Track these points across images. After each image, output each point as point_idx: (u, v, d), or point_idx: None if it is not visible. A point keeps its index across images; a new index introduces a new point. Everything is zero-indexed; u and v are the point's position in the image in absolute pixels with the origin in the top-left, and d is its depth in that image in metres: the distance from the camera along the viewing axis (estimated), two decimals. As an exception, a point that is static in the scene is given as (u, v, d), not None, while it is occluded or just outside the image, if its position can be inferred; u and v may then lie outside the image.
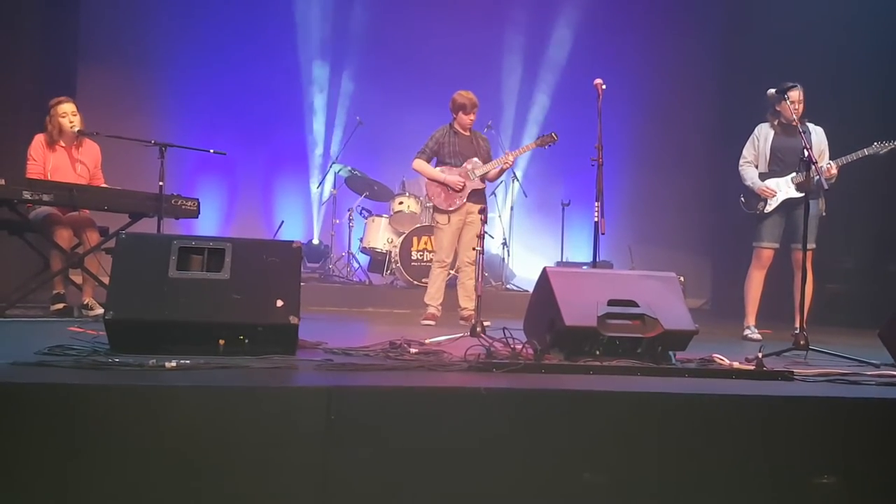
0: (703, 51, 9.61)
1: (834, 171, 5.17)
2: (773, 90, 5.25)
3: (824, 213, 5.32)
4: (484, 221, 5.25)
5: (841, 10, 7.43)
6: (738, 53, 8.92)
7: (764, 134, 5.54)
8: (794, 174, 5.39)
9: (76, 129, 5.25)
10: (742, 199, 5.61)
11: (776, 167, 5.48)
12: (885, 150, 5.18)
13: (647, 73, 9.40)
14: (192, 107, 8.98)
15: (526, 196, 8.74)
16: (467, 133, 5.92)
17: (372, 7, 9.49)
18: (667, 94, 9.55)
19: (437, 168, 5.89)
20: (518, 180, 8.62)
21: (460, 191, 5.80)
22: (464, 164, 5.84)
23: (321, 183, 9.28)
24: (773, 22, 8.20)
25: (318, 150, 9.61)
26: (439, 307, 5.86)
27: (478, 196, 5.86)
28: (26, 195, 4.68)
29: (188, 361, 2.82)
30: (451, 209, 5.81)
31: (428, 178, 5.93)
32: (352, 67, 9.60)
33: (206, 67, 8.97)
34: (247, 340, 3.21)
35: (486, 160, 5.90)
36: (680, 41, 9.48)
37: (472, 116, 5.83)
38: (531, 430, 2.55)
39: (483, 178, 5.88)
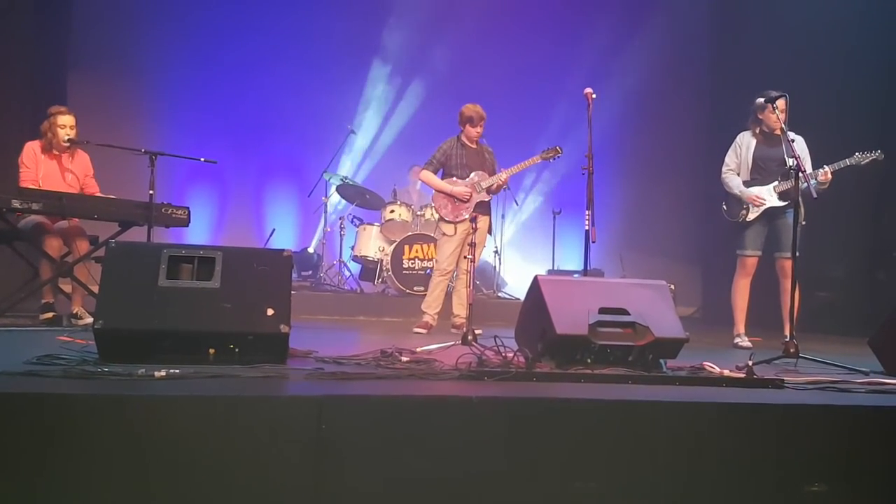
0: (691, 60, 9.68)
1: (829, 175, 5.18)
2: (760, 99, 5.29)
3: (804, 222, 5.34)
4: (474, 230, 5.26)
5: (830, 19, 7.48)
6: (726, 62, 8.97)
7: (746, 142, 5.57)
8: (776, 182, 5.42)
9: (66, 139, 5.24)
10: (724, 206, 5.64)
11: (758, 175, 5.51)
12: (866, 160, 5.19)
13: (637, 82, 9.45)
14: (182, 115, 8.97)
15: (517, 204, 8.76)
16: (474, 145, 5.95)
17: (363, 17, 9.51)
18: (656, 102, 9.60)
19: (444, 180, 5.93)
20: (509, 189, 8.63)
21: (467, 202, 5.82)
22: (470, 176, 5.87)
23: (312, 191, 9.26)
24: (762, 31, 8.25)
25: (310, 159, 9.60)
26: (435, 316, 5.86)
27: (483, 207, 5.89)
28: (15, 204, 4.67)
29: (178, 371, 2.81)
30: (457, 220, 5.83)
31: (435, 190, 5.96)
32: (344, 76, 9.61)
33: (198, 76, 8.97)
34: (237, 349, 3.20)
35: (491, 173, 5.92)
36: (668, 50, 9.53)
37: (478, 129, 5.86)
38: (522, 438, 2.55)
39: (488, 191, 5.90)
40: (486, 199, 5.93)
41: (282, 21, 9.17)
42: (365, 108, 9.71)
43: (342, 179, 8.53)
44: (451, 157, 5.92)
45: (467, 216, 5.78)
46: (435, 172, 5.97)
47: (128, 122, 8.53)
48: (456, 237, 5.84)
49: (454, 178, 5.89)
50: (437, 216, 6.11)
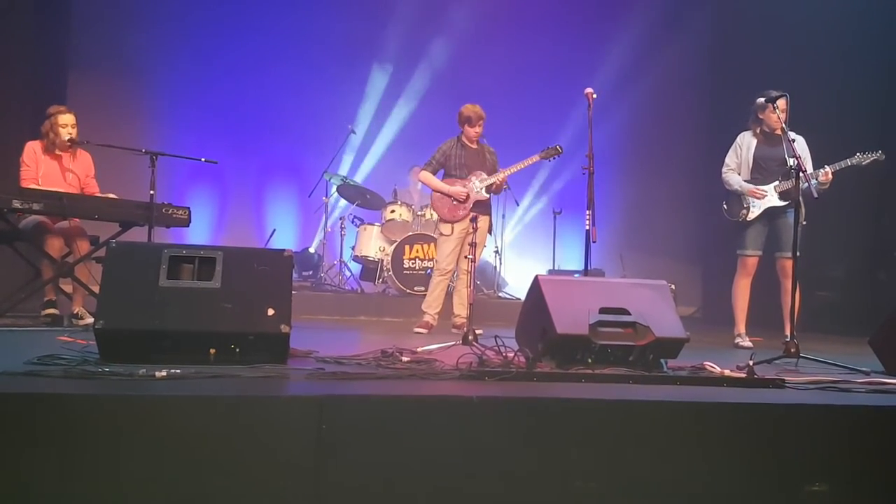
0: (691, 60, 9.67)
1: (830, 175, 5.18)
2: (761, 99, 5.28)
3: (804, 222, 5.33)
4: (475, 230, 5.26)
5: (830, 19, 7.48)
6: (725, 62, 8.97)
7: (746, 142, 5.57)
8: (777, 182, 5.42)
9: (67, 138, 5.24)
10: (724, 206, 5.64)
11: (758, 175, 5.51)
12: (867, 160, 5.19)
13: (637, 82, 9.45)
14: (183, 115, 8.97)
15: (518, 204, 8.75)
16: (475, 145, 5.95)
17: (363, 18, 9.50)
18: (656, 102, 9.60)
19: (443, 180, 5.93)
20: (510, 189, 8.64)
21: (464, 202, 5.82)
22: (469, 176, 5.87)
23: (312, 191, 9.26)
24: (761, 31, 8.24)
25: (310, 159, 9.60)
26: (436, 316, 5.85)
27: (481, 207, 5.88)
28: (16, 204, 4.66)
29: (178, 371, 2.81)
30: (454, 220, 5.83)
31: (433, 190, 5.96)
32: (344, 76, 9.60)
33: (198, 76, 8.97)
34: (238, 349, 3.20)
35: (492, 173, 5.91)
36: (669, 49, 9.53)
37: (477, 129, 5.86)
38: (523, 438, 2.55)
39: (488, 190, 5.90)
40: (486, 199, 5.93)
41: (282, 21, 9.16)
42: (365, 108, 9.70)
43: (342, 179, 8.53)
44: (450, 158, 5.92)
45: (464, 215, 5.78)
46: (434, 173, 5.96)
47: (128, 122, 8.52)
48: (454, 237, 5.84)
49: (454, 179, 5.89)
50: (436, 216, 6.11)
